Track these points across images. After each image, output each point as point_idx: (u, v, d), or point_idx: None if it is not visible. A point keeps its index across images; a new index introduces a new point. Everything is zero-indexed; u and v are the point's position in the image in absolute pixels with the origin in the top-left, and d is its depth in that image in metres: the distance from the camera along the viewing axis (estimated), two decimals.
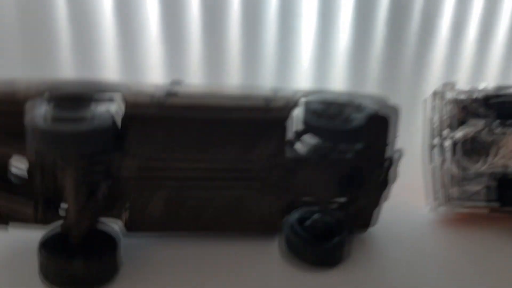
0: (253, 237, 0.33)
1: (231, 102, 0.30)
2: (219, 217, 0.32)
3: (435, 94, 0.36)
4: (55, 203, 0.30)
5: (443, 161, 0.35)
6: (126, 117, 0.29)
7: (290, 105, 0.30)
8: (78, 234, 0.29)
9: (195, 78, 0.59)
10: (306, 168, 0.31)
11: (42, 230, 0.30)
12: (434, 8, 0.91)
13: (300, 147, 0.31)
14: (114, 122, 0.28)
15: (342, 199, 0.33)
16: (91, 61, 0.63)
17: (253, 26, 0.82)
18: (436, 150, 0.36)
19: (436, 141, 0.36)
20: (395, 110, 0.31)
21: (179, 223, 0.32)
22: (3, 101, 0.28)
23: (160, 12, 0.86)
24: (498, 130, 0.35)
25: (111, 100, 0.29)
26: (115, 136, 0.28)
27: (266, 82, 0.60)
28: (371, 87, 0.60)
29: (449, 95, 0.35)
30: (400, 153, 0.32)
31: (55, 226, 0.30)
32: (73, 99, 0.28)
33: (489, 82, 0.37)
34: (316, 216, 0.32)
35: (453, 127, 0.35)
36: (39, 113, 0.26)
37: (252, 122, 0.30)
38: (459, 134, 0.35)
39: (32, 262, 0.29)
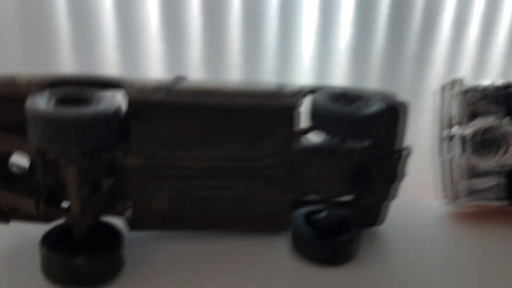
0: (260, 235, 0.32)
1: (241, 87, 0.29)
2: (225, 215, 0.32)
3: (443, 88, 0.36)
4: (57, 199, 0.30)
5: (454, 156, 0.35)
6: (132, 104, 0.28)
7: (302, 92, 0.30)
8: (81, 231, 0.28)
9: (196, 75, 0.58)
10: (316, 162, 0.31)
11: (44, 226, 0.29)
12: (436, 4, 0.90)
13: (309, 139, 0.31)
14: (118, 110, 0.26)
15: (351, 195, 0.33)
16: (91, 59, 0.62)
17: (254, 23, 0.81)
18: (446, 145, 0.35)
19: (446, 135, 0.35)
20: (404, 106, 0.31)
21: (183, 221, 0.31)
22: (4, 96, 0.28)
23: (160, 9, 0.86)
24: (508, 127, 0.34)
25: (117, 86, 0.28)
26: (120, 125, 0.27)
27: (268, 79, 0.59)
28: (373, 84, 0.60)
29: (458, 90, 0.35)
30: (409, 150, 0.32)
31: (57, 222, 0.29)
32: (76, 89, 0.27)
33: (493, 79, 0.36)
34: (324, 212, 0.32)
35: (462, 122, 0.35)
36: (41, 100, 0.25)
37: (261, 110, 0.29)
38: (468, 130, 0.35)
39: (34, 258, 0.28)
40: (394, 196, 0.33)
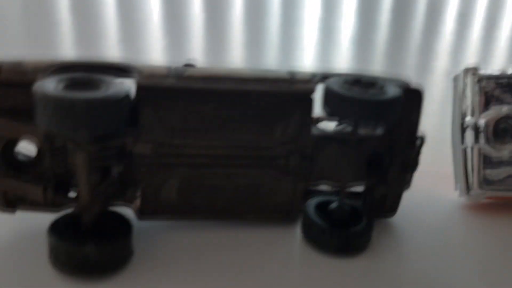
0: (272, 224, 0.32)
1: (253, 73, 0.29)
2: (235, 204, 0.31)
3: (457, 77, 0.35)
4: (65, 187, 0.29)
5: (467, 146, 0.34)
6: (141, 90, 0.27)
7: (315, 78, 0.29)
8: (90, 218, 0.28)
9: None
10: (329, 150, 0.30)
11: (51, 214, 0.29)
12: None
13: (321, 127, 0.30)
14: (128, 95, 0.26)
15: (364, 184, 0.32)
16: (93, 52, 0.62)
17: (256, 15, 0.81)
18: (459, 135, 0.35)
19: (459, 125, 0.35)
20: (420, 92, 0.30)
21: (193, 210, 0.31)
22: (10, 81, 0.27)
23: (163, 3, 0.85)
24: None
25: (126, 72, 0.27)
26: (129, 111, 0.26)
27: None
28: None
29: (473, 78, 0.34)
30: (423, 138, 0.31)
31: (65, 211, 0.29)
32: (85, 74, 0.26)
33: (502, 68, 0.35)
34: (336, 202, 0.31)
35: (476, 112, 0.34)
36: (50, 84, 0.24)
37: (275, 96, 0.29)
38: (482, 120, 0.34)
39: (41, 247, 0.28)
40: (408, 186, 0.32)
